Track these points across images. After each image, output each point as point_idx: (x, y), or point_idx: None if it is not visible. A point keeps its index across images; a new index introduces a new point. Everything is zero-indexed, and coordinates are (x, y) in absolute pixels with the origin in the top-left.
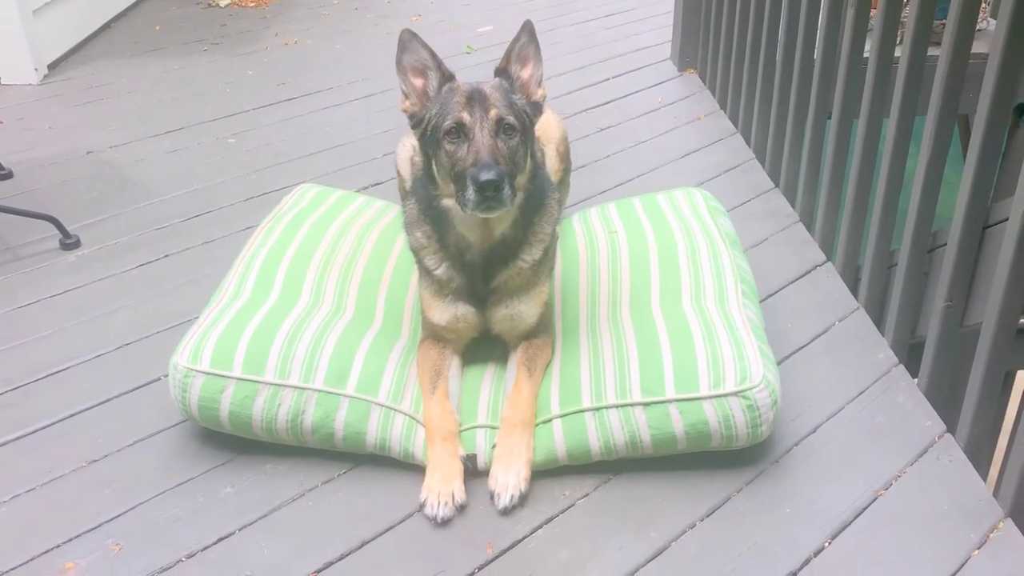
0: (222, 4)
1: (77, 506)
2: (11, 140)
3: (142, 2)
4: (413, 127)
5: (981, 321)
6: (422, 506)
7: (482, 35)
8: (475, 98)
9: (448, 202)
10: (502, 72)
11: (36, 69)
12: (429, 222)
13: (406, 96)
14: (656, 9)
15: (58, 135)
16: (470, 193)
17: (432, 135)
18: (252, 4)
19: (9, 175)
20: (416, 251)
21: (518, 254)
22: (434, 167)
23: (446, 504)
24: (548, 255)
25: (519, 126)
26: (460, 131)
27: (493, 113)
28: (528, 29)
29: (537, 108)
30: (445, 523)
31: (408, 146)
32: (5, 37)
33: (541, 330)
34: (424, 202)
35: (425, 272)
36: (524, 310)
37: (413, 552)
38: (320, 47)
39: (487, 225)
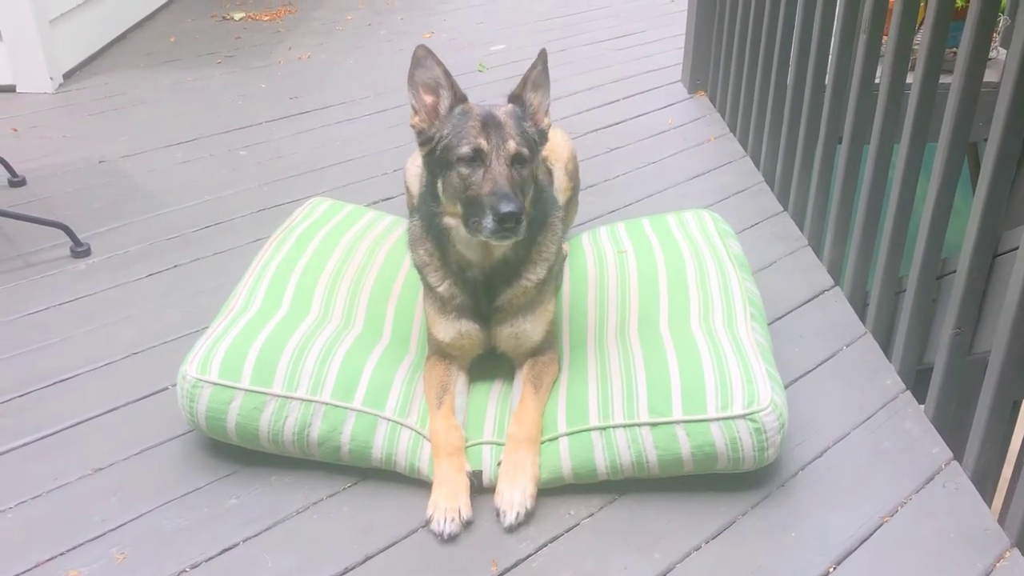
0: (236, 17)
1: (82, 514)
2: (25, 148)
3: (157, 14)
4: (421, 144)
5: (989, 349)
6: (428, 522)
7: (495, 53)
8: (490, 125)
9: (450, 221)
10: (516, 99)
11: (51, 78)
12: (431, 239)
13: (416, 112)
14: (667, 31)
15: (71, 144)
16: (488, 221)
17: (442, 155)
18: (266, 18)
19: (23, 182)
20: (420, 268)
21: (522, 273)
22: (439, 186)
23: (452, 520)
24: (553, 273)
25: (529, 156)
26: (477, 157)
27: (511, 145)
28: (544, 57)
29: (544, 135)
30: (452, 539)
31: (417, 162)
32: (22, 46)
33: (547, 347)
34: (426, 219)
35: (429, 289)
36: (529, 328)
37: (416, 568)
38: (333, 62)
39: (487, 246)
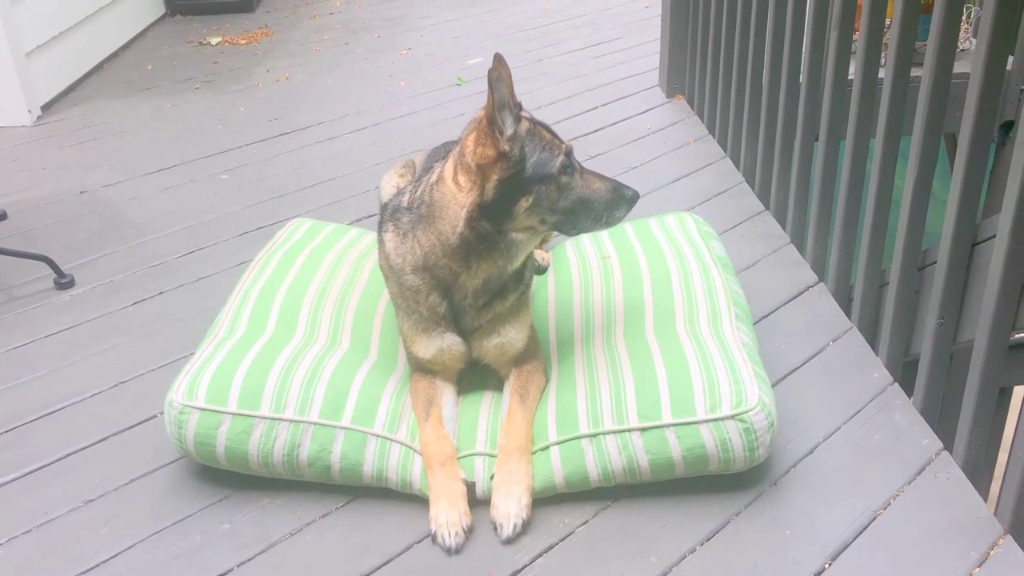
0: (213, 42)
1: (74, 547)
2: (5, 181)
3: (134, 42)
4: (501, 169)
5: (973, 338)
6: (433, 538)
7: (472, 67)
8: (550, 128)
9: (520, 236)
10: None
11: (29, 111)
12: (451, 263)
13: (501, 135)
14: (643, 37)
15: (52, 175)
16: (621, 212)
17: (535, 172)
18: (243, 41)
19: (3, 216)
20: (410, 289)
21: (511, 287)
22: (521, 204)
23: (457, 534)
24: (529, 278)
25: None
26: (571, 163)
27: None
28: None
29: None
30: (459, 551)
31: (393, 181)
32: None
33: (529, 356)
34: (474, 241)
35: (410, 310)
36: (514, 335)
37: None
38: (311, 82)
39: (523, 253)
